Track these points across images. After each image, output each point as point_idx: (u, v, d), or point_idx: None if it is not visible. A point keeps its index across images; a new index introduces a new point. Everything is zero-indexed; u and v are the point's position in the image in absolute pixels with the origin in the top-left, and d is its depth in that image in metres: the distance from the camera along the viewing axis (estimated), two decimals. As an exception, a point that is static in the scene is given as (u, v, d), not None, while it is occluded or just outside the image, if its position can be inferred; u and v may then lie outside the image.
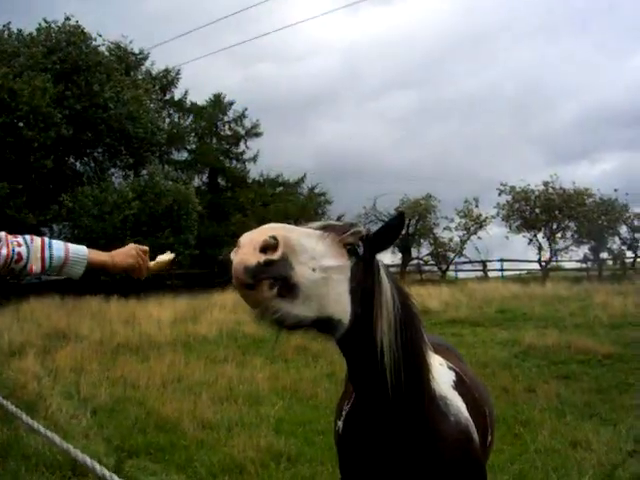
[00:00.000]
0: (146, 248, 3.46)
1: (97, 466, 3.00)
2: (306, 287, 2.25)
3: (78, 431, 7.69)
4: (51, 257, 3.08)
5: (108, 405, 9.29)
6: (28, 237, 3.05)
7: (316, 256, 2.32)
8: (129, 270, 3.38)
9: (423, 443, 2.73)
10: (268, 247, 2.16)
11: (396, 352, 2.59)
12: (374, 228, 2.74)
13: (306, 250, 2.29)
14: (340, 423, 3.21)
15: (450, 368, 3.32)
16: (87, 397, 9.53)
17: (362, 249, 2.55)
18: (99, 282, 26.67)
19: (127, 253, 3.36)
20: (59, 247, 3.13)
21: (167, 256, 3.63)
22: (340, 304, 2.41)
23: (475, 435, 2.96)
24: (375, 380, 2.61)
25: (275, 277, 2.16)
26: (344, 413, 3.18)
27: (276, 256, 2.16)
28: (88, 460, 3.10)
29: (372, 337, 2.56)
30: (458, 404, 2.98)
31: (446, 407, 2.89)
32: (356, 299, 2.48)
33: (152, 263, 3.52)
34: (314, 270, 2.29)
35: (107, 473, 2.87)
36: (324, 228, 2.52)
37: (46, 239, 3.12)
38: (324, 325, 2.42)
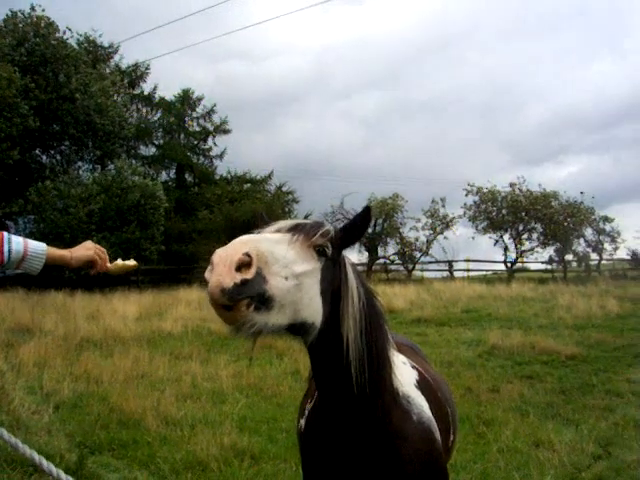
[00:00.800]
0: (103, 249, 3.49)
1: (44, 462, 2.96)
2: (280, 297, 2.24)
3: (40, 427, 7.59)
4: (10, 251, 3.05)
5: (71, 401, 9.21)
6: None
7: (288, 264, 2.30)
8: (88, 264, 3.38)
9: (385, 442, 2.74)
10: (242, 265, 2.13)
11: (361, 347, 2.61)
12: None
13: (277, 260, 2.27)
14: (302, 421, 3.21)
15: (413, 367, 3.34)
16: (50, 392, 9.45)
17: (331, 250, 2.54)
18: (64, 277, 26.44)
19: (85, 247, 3.40)
20: (18, 242, 3.11)
21: (130, 262, 3.63)
22: (312, 307, 2.41)
23: (437, 434, 2.97)
24: (339, 376, 2.62)
25: (252, 296, 2.14)
26: (306, 411, 3.18)
27: (250, 274, 2.13)
28: (36, 456, 3.06)
29: (339, 333, 2.57)
30: (421, 403, 3.00)
31: (409, 405, 2.90)
32: (326, 299, 2.49)
33: (112, 263, 3.52)
34: (287, 278, 2.27)
35: (54, 470, 2.83)
36: (294, 228, 2.52)
37: (5, 233, 3.09)
38: (298, 329, 2.41)
